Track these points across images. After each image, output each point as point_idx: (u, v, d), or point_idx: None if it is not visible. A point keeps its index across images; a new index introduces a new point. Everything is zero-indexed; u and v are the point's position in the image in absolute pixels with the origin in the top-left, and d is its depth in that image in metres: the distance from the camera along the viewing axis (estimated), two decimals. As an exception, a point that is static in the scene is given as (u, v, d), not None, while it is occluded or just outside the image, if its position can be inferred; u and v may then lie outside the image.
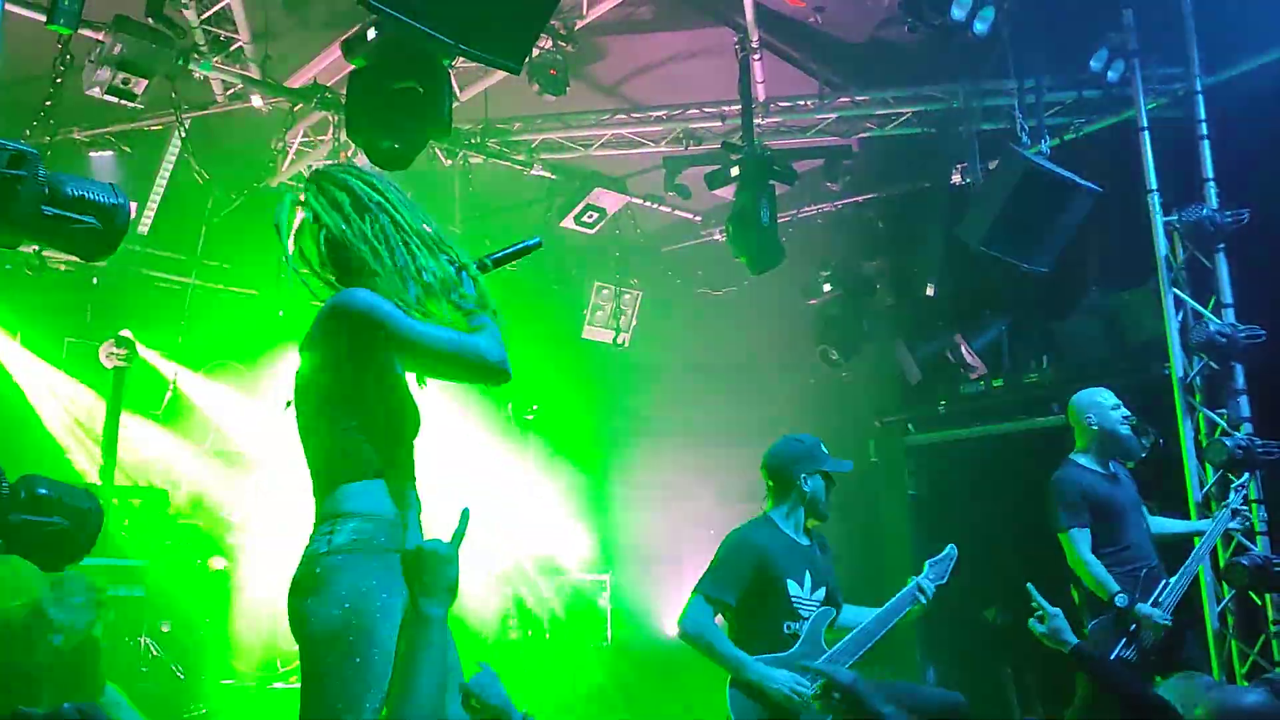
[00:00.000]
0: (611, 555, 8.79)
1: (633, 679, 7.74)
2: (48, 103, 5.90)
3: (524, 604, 8.06)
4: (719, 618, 4.10)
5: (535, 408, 8.40)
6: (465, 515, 2.08)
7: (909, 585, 4.14)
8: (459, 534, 2.05)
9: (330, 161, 7.14)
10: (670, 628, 8.78)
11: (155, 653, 6.43)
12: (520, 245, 2.65)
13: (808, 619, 4.02)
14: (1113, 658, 3.06)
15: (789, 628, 3.99)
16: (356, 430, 2.42)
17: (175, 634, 6.55)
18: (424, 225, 2.56)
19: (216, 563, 7.08)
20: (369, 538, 2.33)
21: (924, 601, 4.11)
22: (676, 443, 9.04)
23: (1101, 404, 4.72)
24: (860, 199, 8.43)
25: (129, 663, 6.20)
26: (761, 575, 4.01)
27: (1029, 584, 3.11)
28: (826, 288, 8.53)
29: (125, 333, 7.35)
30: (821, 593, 4.11)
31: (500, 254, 2.66)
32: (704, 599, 4.02)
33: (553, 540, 8.65)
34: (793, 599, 4.02)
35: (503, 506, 8.38)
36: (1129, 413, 4.77)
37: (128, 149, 7.42)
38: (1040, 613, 3.03)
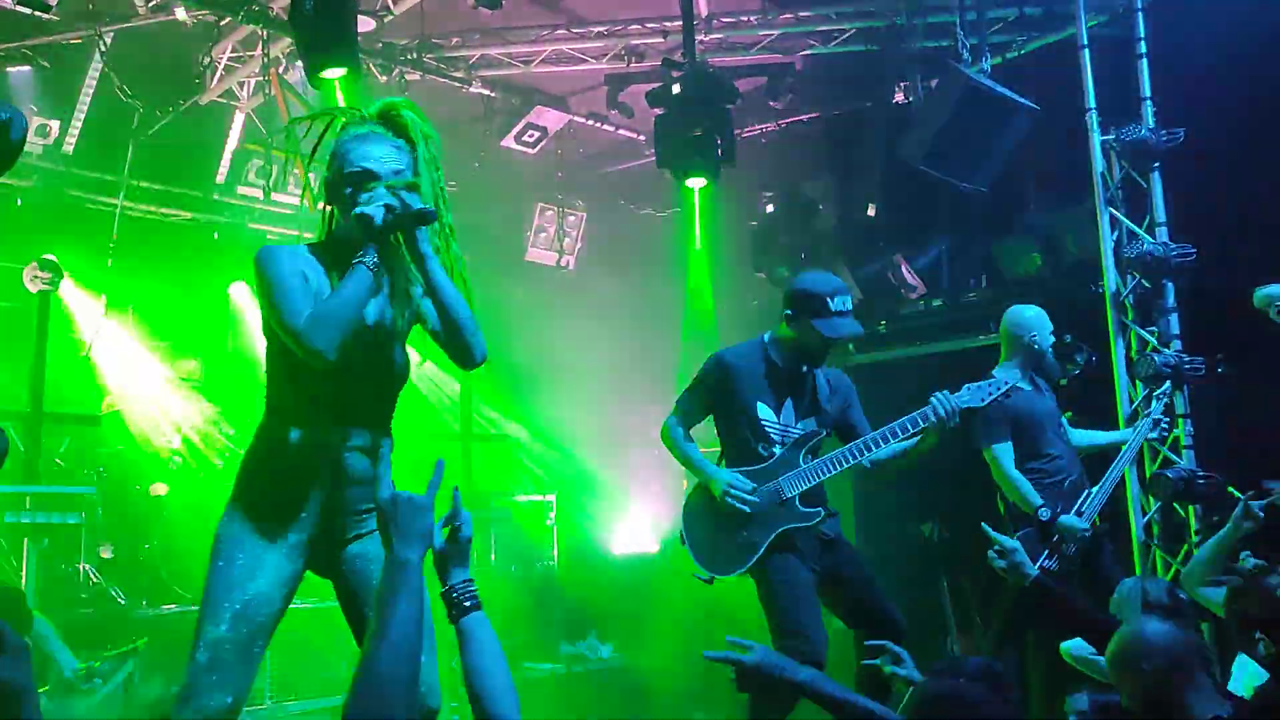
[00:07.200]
0: (556, 476, 8.84)
1: (579, 598, 7.84)
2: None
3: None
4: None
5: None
6: (439, 468, 2.06)
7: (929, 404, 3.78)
8: (433, 484, 2.04)
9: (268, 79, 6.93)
10: (616, 548, 8.94)
11: (95, 579, 6.39)
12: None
13: (782, 442, 3.91)
14: (1037, 567, 3.12)
15: (764, 450, 3.90)
16: (272, 367, 2.74)
17: (117, 560, 6.50)
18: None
19: (158, 489, 7.01)
20: (260, 460, 2.71)
21: (935, 420, 3.73)
22: (620, 366, 9.06)
23: (1045, 326, 4.82)
24: (803, 118, 8.38)
25: (67, 590, 6.16)
26: (724, 393, 3.96)
27: (984, 524, 3.16)
28: (769, 208, 8.51)
29: (49, 256, 7.14)
30: (810, 424, 3.95)
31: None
32: (676, 409, 4.08)
33: (497, 462, 8.67)
34: (761, 422, 3.89)
35: (447, 429, 8.38)
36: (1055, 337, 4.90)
37: (46, 64, 7.10)
38: (998, 548, 3.05)
